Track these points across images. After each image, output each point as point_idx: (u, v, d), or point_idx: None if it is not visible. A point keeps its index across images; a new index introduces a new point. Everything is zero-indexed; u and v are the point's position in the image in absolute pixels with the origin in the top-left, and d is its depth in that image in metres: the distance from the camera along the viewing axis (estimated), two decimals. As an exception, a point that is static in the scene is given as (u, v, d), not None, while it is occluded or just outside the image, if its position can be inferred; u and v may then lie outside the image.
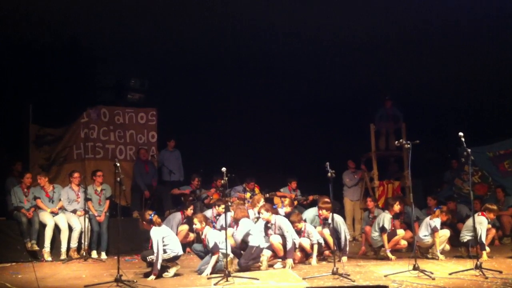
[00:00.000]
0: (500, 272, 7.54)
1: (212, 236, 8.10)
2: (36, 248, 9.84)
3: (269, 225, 8.82)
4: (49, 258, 9.88)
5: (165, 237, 7.98)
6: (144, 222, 8.11)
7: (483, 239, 9.04)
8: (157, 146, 12.76)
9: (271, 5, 10.64)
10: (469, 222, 9.19)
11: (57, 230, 10.12)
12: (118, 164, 7.77)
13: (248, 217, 8.74)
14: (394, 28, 11.87)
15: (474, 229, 8.41)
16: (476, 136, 11.54)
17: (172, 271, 7.96)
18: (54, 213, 10.16)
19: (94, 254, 10.17)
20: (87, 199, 10.21)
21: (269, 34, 11.65)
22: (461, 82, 13.22)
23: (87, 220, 10.09)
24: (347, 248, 9.33)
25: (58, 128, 12.44)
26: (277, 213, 9.31)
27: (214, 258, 7.93)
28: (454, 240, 9.77)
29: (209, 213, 10.37)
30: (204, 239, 8.17)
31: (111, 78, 13.13)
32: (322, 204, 9.27)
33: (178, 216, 10.42)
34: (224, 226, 8.10)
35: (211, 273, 7.85)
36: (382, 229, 9.37)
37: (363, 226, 10.28)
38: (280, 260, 8.71)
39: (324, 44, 12.02)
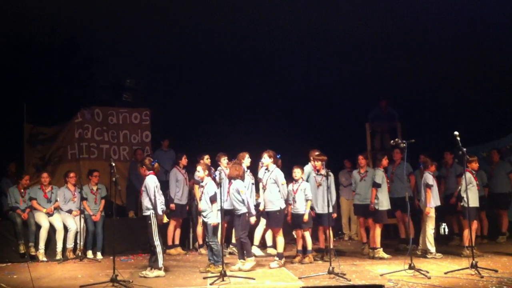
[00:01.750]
0: (496, 271, 7.58)
1: (212, 186, 8.23)
2: (32, 251, 9.80)
3: (265, 171, 8.91)
4: (44, 259, 9.85)
5: (157, 189, 8.09)
6: (144, 167, 8.17)
7: (462, 193, 9.05)
8: (151, 146, 12.73)
9: (265, 5, 10.65)
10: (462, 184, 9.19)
11: (52, 230, 10.10)
12: (113, 164, 7.76)
13: (242, 177, 8.66)
14: (389, 28, 11.92)
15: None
16: (471, 136, 11.56)
17: (152, 274, 7.90)
18: (49, 214, 10.12)
19: (89, 254, 10.16)
20: (82, 199, 10.19)
21: (263, 34, 11.67)
22: (455, 81, 13.27)
23: (82, 220, 10.07)
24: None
25: (51, 127, 12.38)
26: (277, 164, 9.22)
27: (215, 205, 8.07)
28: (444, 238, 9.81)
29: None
30: (203, 188, 8.29)
31: (106, 78, 13.12)
32: (317, 156, 9.22)
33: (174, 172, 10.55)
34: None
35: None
36: (374, 185, 9.41)
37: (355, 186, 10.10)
38: (276, 259, 8.71)
39: (319, 44, 12.04)
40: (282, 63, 12.59)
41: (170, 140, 12.41)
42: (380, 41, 12.27)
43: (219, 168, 9.58)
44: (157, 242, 7.92)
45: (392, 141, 8.70)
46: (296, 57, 12.64)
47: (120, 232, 10.15)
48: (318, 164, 9.18)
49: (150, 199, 7.98)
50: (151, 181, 8.05)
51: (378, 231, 9.41)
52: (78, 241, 10.10)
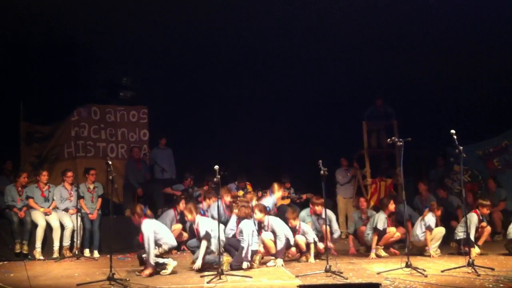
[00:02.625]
0: (492, 269, 7.58)
1: (204, 224, 8.11)
2: (25, 249, 9.77)
3: (262, 225, 8.81)
4: (41, 257, 9.84)
5: (156, 230, 7.95)
6: (135, 216, 7.99)
7: (472, 236, 9.10)
8: (148, 144, 12.72)
9: (264, 4, 10.63)
10: (463, 221, 9.26)
11: (49, 228, 10.09)
12: (110, 163, 7.74)
13: (250, 216, 8.63)
14: (386, 26, 11.90)
15: (469, 228, 8.48)
16: (466, 134, 11.58)
17: (170, 268, 7.93)
18: (47, 214, 10.10)
19: (86, 252, 10.15)
20: (79, 197, 10.18)
21: (261, 33, 11.64)
22: (452, 78, 13.27)
23: (79, 218, 10.06)
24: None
25: (47, 125, 12.35)
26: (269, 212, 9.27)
27: (204, 244, 7.92)
28: (447, 237, 9.81)
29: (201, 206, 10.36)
30: (197, 228, 8.15)
31: (103, 76, 13.09)
32: (316, 200, 9.35)
33: (171, 213, 10.40)
34: (215, 216, 8.09)
35: (202, 262, 7.86)
36: (375, 229, 9.42)
37: (355, 227, 10.25)
38: (273, 257, 8.72)
39: (316, 42, 12.03)
40: (280, 62, 12.59)
41: (167, 138, 12.41)
42: (376, 39, 12.27)
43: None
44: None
45: (389, 139, 8.70)
46: (293, 56, 12.63)
47: (117, 230, 10.11)
48: (319, 208, 9.23)
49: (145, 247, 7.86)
50: (145, 229, 7.85)
51: (375, 237, 9.44)
52: (75, 240, 10.09)
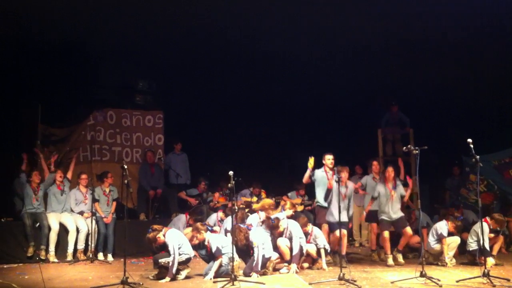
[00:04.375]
0: (508, 280, 7.52)
1: (214, 240, 8.12)
2: (42, 254, 9.83)
3: (281, 229, 8.80)
4: (55, 260, 9.90)
5: (180, 240, 8.07)
6: (154, 244, 8.11)
7: (486, 245, 9.03)
8: (163, 149, 12.77)
9: (277, 8, 10.61)
10: (474, 230, 9.19)
11: (64, 231, 10.15)
12: (125, 167, 7.79)
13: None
14: (402, 32, 11.82)
15: (481, 238, 8.41)
16: (481, 144, 11.48)
17: (183, 273, 8.04)
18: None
19: (100, 256, 10.19)
20: (94, 201, 10.24)
21: (275, 38, 11.61)
22: (469, 87, 13.15)
23: (94, 222, 10.11)
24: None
25: (63, 128, 12.45)
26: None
27: (217, 263, 7.95)
28: (461, 247, 9.72)
29: (213, 217, 10.36)
30: (208, 245, 8.16)
31: (118, 80, 13.15)
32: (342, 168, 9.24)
33: (183, 218, 10.44)
34: (228, 230, 8.09)
35: (214, 277, 7.87)
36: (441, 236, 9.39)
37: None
38: (286, 264, 8.70)
39: (330, 48, 11.98)
40: (295, 67, 12.55)
41: (182, 143, 12.45)
42: (393, 46, 12.19)
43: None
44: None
45: (404, 147, 8.69)
46: (308, 61, 12.58)
47: (131, 234, 10.12)
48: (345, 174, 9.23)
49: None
50: (170, 239, 7.97)
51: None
52: (89, 243, 10.15)
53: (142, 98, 13.30)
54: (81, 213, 10.32)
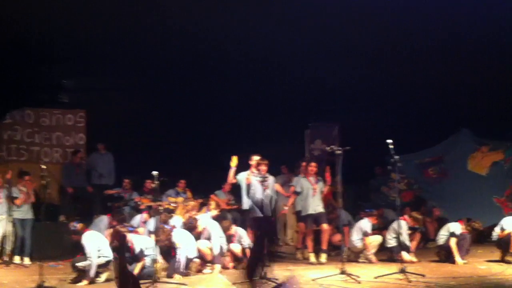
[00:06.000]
0: (423, 276, 7.83)
1: (137, 242, 7.97)
2: None
3: (200, 229, 8.77)
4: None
5: (98, 243, 7.85)
6: (72, 235, 7.98)
7: (407, 242, 9.39)
8: (85, 149, 12.43)
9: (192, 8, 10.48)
10: (392, 227, 9.51)
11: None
12: (44, 167, 7.55)
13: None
14: (329, 32, 12.00)
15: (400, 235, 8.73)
16: (405, 144, 11.87)
17: (103, 276, 7.89)
18: None
19: (17, 259, 9.79)
20: (11, 200, 9.82)
21: (202, 34, 11.48)
22: (392, 89, 13.52)
23: (10, 224, 9.71)
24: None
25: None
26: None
27: (139, 265, 7.80)
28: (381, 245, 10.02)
29: (137, 218, 10.19)
30: (131, 246, 8.00)
31: (42, 78, 12.67)
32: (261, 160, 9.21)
33: (105, 219, 10.17)
34: (152, 231, 7.99)
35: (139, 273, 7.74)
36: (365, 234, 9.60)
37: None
38: (209, 265, 8.66)
39: (257, 47, 11.99)
40: (223, 65, 12.44)
41: (107, 143, 12.16)
42: (321, 45, 12.34)
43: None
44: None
45: (328, 147, 8.85)
46: (236, 60, 12.51)
47: (50, 236, 9.86)
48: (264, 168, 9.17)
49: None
50: (87, 242, 7.81)
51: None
52: (5, 246, 9.73)
53: (66, 96, 12.91)
54: (-5, 214, 9.86)
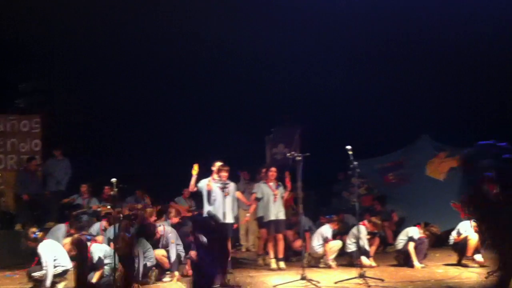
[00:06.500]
0: (382, 280, 7.92)
1: (96, 250, 7.81)
2: None
3: (158, 236, 8.67)
4: None
5: (54, 252, 7.68)
6: (28, 241, 7.76)
7: (366, 247, 9.49)
8: (41, 155, 12.16)
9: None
10: (352, 232, 9.60)
11: None
12: (-1, 174, 7.35)
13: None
14: (292, 41, 12.08)
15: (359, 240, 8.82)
16: (367, 149, 12.04)
17: (60, 286, 7.70)
18: None
19: (-30, 269, 9.48)
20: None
21: (155, 39, 11.41)
22: (354, 95, 13.69)
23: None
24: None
25: None
26: None
27: (98, 273, 7.65)
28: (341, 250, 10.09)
29: (96, 226, 10.00)
30: (89, 255, 7.84)
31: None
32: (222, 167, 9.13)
33: (62, 228, 9.93)
34: (111, 239, 7.84)
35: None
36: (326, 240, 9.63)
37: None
38: (169, 273, 8.56)
39: (218, 55, 12.00)
40: (183, 71, 12.41)
41: (64, 148, 11.90)
42: (279, 53, 12.43)
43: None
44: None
45: (289, 154, 8.88)
46: (197, 65, 12.48)
47: (6, 245, 9.56)
48: (225, 174, 9.12)
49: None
50: (43, 251, 7.60)
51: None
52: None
53: (23, 101, 12.60)
54: None
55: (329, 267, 9.47)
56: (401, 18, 11.54)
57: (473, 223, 9.62)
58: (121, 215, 9.38)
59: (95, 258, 7.73)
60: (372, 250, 9.89)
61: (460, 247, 9.55)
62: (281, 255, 9.53)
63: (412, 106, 13.81)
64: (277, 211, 9.58)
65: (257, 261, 10.12)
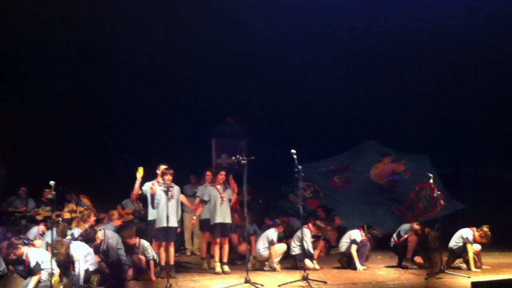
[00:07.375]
0: (325, 282, 8.01)
1: (33, 255, 7.55)
2: None
3: (98, 241, 8.46)
4: None
5: None
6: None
7: (310, 250, 9.56)
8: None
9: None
10: (297, 235, 9.66)
11: None
12: None
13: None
14: (236, 49, 12.06)
15: (302, 244, 8.89)
16: (312, 152, 12.14)
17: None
18: None
19: None
20: None
21: (101, 42, 11.16)
22: (301, 100, 13.80)
23: None
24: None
25: None
26: None
27: (35, 279, 7.40)
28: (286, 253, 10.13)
29: (34, 230, 9.67)
30: (26, 260, 7.56)
31: None
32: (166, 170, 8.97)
33: None
34: (49, 243, 7.60)
35: None
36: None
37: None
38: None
39: (166, 59, 11.84)
40: (126, 74, 12.17)
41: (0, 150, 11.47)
42: (229, 59, 12.39)
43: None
44: None
45: (234, 157, 8.84)
46: (144, 68, 12.29)
47: None
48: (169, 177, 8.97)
49: None
50: None
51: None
52: None
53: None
54: None
55: (273, 270, 9.49)
56: (350, 22, 11.73)
57: (416, 226, 9.93)
58: (60, 219, 9.19)
59: (32, 263, 7.48)
60: (316, 253, 9.98)
61: (400, 249, 9.78)
62: (225, 259, 9.46)
63: (359, 111, 14.04)
64: (224, 214, 9.50)
65: (201, 265, 10.03)
